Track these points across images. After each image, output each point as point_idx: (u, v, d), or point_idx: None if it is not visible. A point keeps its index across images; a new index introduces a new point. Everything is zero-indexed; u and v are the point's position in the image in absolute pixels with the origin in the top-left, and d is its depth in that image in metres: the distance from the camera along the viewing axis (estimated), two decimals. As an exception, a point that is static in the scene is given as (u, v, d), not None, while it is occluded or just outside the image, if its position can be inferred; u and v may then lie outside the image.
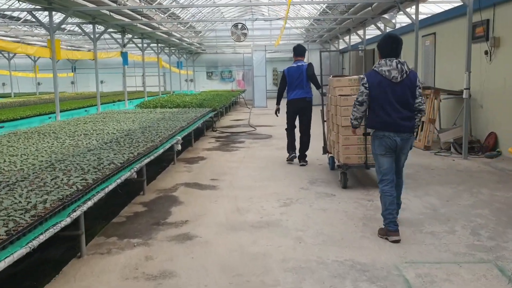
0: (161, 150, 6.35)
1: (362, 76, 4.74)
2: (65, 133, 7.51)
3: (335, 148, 6.79)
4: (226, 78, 33.96)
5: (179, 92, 25.92)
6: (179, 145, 6.86)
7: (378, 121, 4.35)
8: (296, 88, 7.95)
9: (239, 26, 13.41)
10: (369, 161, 6.14)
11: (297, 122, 8.37)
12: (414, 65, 10.92)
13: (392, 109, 4.26)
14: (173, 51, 26.14)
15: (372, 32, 17.76)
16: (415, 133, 4.55)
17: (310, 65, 7.97)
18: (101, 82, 34.70)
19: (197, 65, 33.04)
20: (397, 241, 4.18)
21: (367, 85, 4.36)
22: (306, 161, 8.00)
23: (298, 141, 8.27)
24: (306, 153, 8.11)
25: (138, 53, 20.08)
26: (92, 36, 13.40)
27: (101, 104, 15.72)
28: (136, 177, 5.26)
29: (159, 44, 21.99)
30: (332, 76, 6.83)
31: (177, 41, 22.36)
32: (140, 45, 19.23)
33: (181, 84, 27.93)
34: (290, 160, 8.18)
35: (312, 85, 8.00)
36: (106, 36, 16.66)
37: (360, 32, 16.80)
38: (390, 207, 4.29)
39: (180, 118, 9.51)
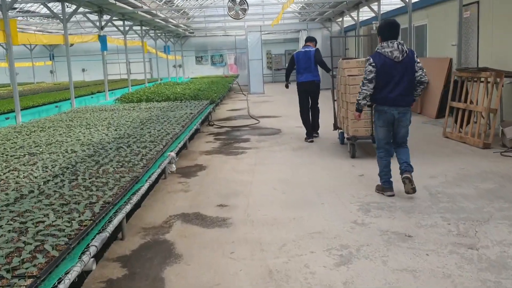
0: (143, 187, 4.12)
1: (368, 57, 5.06)
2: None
3: (344, 123, 7.48)
4: (217, 62, 31.69)
5: (168, 80, 23.73)
6: (174, 166, 4.80)
7: (380, 97, 4.93)
8: (305, 72, 8.49)
9: (238, 0, 11.27)
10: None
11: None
12: (457, 40, 8.93)
13: (395, 86, 4.84)
14: (158, 34, 23.82)
15: (386, 7, 15.68)
16: (413, 104, 5.09)
17: (317, 50, 8.52)
18: (83, 70, 32.41)
19: (185, 49, 30.70)
20: (392, 195, 4.96)
21: (374, 65, 4.86)
22: (318, 133, 8.92)
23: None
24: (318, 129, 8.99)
25: (121, 37, 17.87)
26: (61, 16, 11.19)
27: (77, 97, 13.56)
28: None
29: (143, 27, 19.71)
30: (342, 59, 7.61)
31: (163, 22, 20.05)
32: (122, 28, 16.96)
33: (169, 71, 25.68)
34: (310, 140, 8.60)
35: (320, 68, 8.59)
36: (82, 18, 14.41)
37: (373, 5, 14.69)
38: (385, 169, 5.04)
39: (172, 117, 7.45)
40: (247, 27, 21.89)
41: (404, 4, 12.19)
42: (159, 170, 4.30)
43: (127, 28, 17.15)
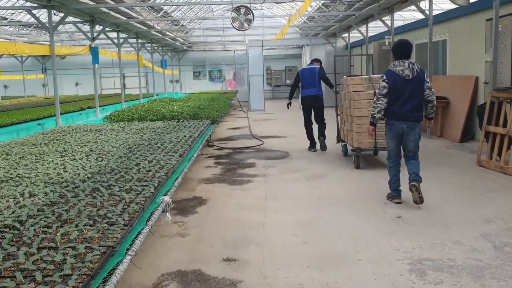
0: (122, 264, 2.57)
1: (382, 75, 5.44)
2: None
3: (348, 136, 7.87)
4: (215, 78, 30.69)
5: (164, 96, 22.69)
6: (168, 215, 3.66)
7: (390, 112, 5.29)
8: (309, 87, 9.03)
9: (242, 10, 10.27)
10: (378, 145, 7.31)
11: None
12: (492, 57, 7.94)
13: (404, 102, 5.19)
14: (155, 48, 22.83)
15: (398, 22, 14.74)
16: (429, 121, 5.57)
17: (321, 68, 9.16)
18: (76, 84, 31.40)
19: (183, 64, 29.72)
20: (399, 203, 5.31)
21: (386, 81, 5.24)
22: (325, 136, 9.07)
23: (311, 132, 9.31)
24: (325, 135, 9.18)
25: (116, 50, 16.84)
26: (47, 25, 10.14)
27: (64, 113, 12.44)
28: None
29: (139, 40, 18.72)
30: (346, 76, 8.04)
31: (159, 35, 19.05)
32: (116, 40, 15.92)
33: (165, 86, 24.65)
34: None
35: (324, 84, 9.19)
36: (71, 28, 13.39)
37: (385, 19, 13.74)
38: (394, 177, 5.44)
39: (168, 141, 6.29)
40: (248, 41, 20.93)
41: (420, 18, 11.22)
42: (147, 229, 3.09)
43: (121, 40, 16.10)
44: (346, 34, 18.90)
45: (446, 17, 11.21)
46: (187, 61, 29.99)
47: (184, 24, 21.93)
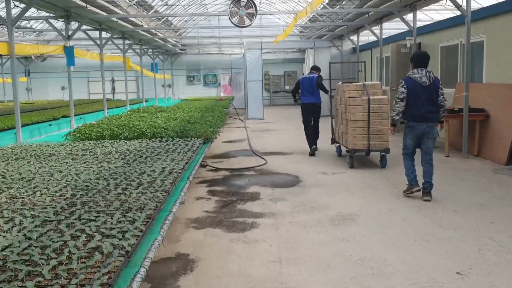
0: None
1: (401, 81, 5.98)
2: None
3: (343, 138, 8.57)
4: (210, 83, 28.84)
5: (153, 103, 20.81)
6: None
7: (410, 115, 5.87)
8: (309, 94, 9.64)
9: (243, 2, 8.46)
10: (371, 147, 7.93)
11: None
12: None
13: (422, 106, 5.77)
14: (145, 49, 20.96)
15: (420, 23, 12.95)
16: (439, 124, 6.01)
17: (319, 76, 9.73)
18: (62, 88, 29.49)
19: (176, 68, 27.86)
20: (419, 191, 5.90)
21: (405, 87, 5.83)
22: (317, 144, 9.74)
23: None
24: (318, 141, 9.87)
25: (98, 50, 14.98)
26: (5, 18, 8.30)
27: (31, 124, 10.56)
28: None
29: (126, 41, 16.88)
30: (342, 82, 8.79)
31: (148, 35, 17.19)
32: (98, 40, 14.07)
33: (156, 91, 22.78)
34: (312, 153, 9.51)
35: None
36: (46, 26, 11.57)
37: (406, 17, 11.97)
38: (410, 169, 6.00)
39: (136, 182, 4.11)
40: (246, 43, 19.15)
41: (447, 17, 9.47)
42: None
43: (104, 40, 14.23)
44: (355, 36, 17.10)
45: (483, 14, 9.47)
46: (180, 65, 28.14)
47: (175, 22, 20.16)
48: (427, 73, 5.80)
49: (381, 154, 8.00)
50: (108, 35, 14.48)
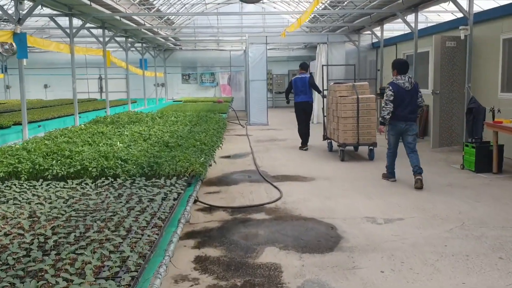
0: None
1: (388, 85, 6.84)
2: None
3: (335, 134, 9.30)
4: (206, 82, 26.12)
5: (139, 106, 18.07)
6: None
7: (394, 115, 6.72)
8: (301, 94, 10.31)
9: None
10: (360, 141, 8.81)
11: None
12: None
13: (405, 107, 6.67)
14: (131, 42, 18.19)
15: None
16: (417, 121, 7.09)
17: (311, 77, 10.53)
18: (45, 86, 26.80)
19: (169, 65, 25.13)
20: (394, 181, 6.96)
21: (393, 90, 6.69)
22: (307, 145, 10.47)
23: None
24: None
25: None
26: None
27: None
28: None
29: (107, 31, 14.18)
30: (334, 83, 9.61)
31: (133, 25, 14.43)
32: (68, 30, 11.32)
33: (145, 91, 20.07)
34: (304, 149, 10.34)
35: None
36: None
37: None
38: (391, 164, 7.02)
39: None
40: (248, 36, 16.46)
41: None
42: None
43: (74, 29, 11.48)
44: (379, 28, 14.40)
45: None
46: (174, 62, 25.40)
47: (163, 10, 17.49)
48: (409, 79, 6.76)
49: (369, 148, 8.91)
50: (81, 22, 11.74)
